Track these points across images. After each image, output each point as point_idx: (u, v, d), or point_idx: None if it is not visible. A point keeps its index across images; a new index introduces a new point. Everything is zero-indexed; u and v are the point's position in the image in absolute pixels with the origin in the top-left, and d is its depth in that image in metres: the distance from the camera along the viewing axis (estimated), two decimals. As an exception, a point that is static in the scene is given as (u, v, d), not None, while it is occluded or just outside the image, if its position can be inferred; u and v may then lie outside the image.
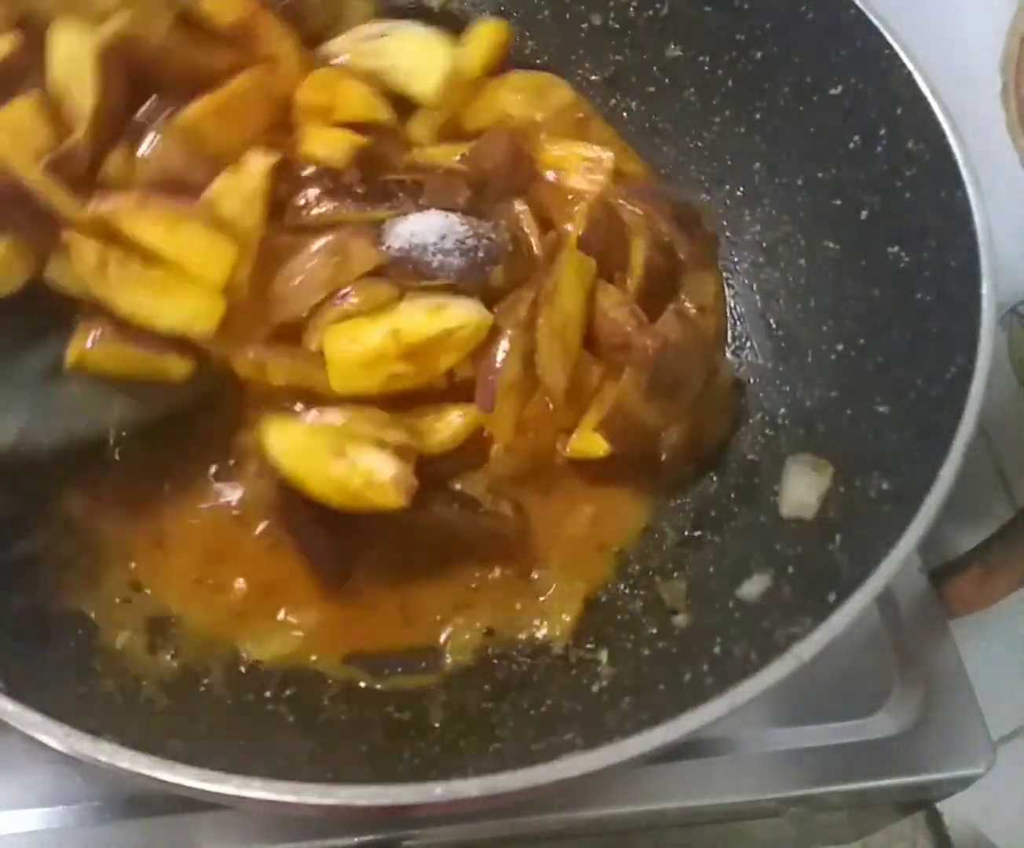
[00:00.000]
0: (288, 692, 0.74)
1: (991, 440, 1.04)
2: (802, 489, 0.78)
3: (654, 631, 0.76)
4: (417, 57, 0.90)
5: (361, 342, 0.76)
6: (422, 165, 0.87)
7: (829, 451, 0.79)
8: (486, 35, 0.94)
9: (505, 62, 0.95)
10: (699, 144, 0.96)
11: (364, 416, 0.77)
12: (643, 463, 0.83)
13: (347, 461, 0.74)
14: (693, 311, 0.87)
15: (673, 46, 0.96)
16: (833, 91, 0.85)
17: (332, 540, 0.78)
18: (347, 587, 0.79)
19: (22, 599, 0.71)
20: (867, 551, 0.66)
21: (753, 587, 0.74)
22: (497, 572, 0.81)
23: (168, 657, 0.74)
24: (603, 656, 0.75)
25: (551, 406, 0.81)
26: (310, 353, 0.78)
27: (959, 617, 0.94)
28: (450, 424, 0.79)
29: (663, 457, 0.82)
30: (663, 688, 0.69)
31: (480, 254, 0.79)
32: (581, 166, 0.91)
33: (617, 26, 0.96)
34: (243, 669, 0.75)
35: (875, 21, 0.82)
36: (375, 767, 0.68)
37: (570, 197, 0.91)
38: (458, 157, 0.88)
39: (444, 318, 0.77)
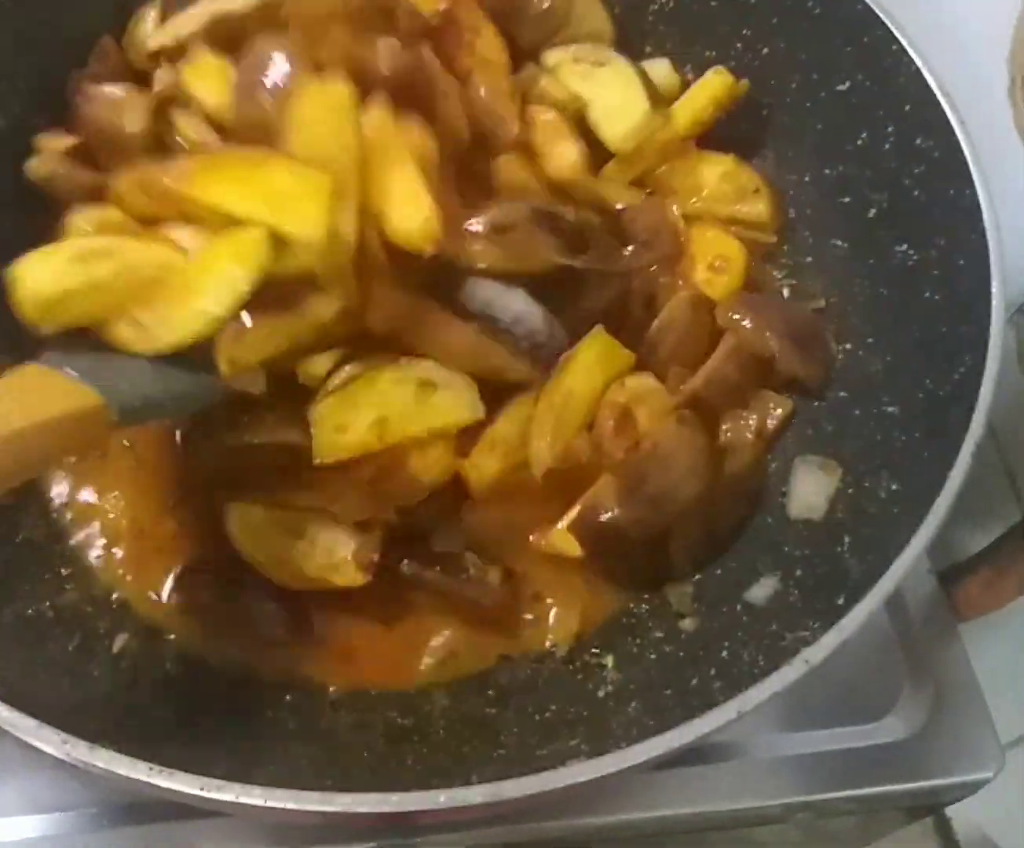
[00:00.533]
0: (288, 697, 0.73)
1: (1000, 440, 1.03)
2: (810, 490, 0.78)
3: (661, 635, 0.76)
4: (617, 99, 0.87)
5: (349, 432, 0.73)
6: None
7: (837, 452, 0.79)
8: (705, 90, 0.89)
9: (723, 115, 0.89)
10: (703, 140, 0.95)
11: (339, 496, 0.75)
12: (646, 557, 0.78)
13: (306, 541, 0.73)
14: (750, 431, 0.82)
15: (679, 40, 0.95)
16: (840, 87, 0.85)
17: (285, 609, 0.75)
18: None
19: (18, 602, 0.71)
20: (876, 553, 0.65)
21: (761, 590, 0.74)
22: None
23: (166, 662, 0.73)
24: (609, 661, 0.75)
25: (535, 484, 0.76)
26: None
27: (968, 620, 0.93)
28: (437, 463, 0.75)
29: (672, 553, 0.78)
30: (670, 693, 0.69)
31: (542, 351, 0.77)
32: (712, 259, 0.88)
33: (623, 19, 0.95)
34: (242, 675, 0.74)
35: (882, 16, 0.81)
36: (377, 774, 0.67)
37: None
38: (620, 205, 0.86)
39: (432, 411, 0.74)
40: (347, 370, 0.75)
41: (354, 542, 0.73)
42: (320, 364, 0.74)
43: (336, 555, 0.73)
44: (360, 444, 0.73)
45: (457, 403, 0.75)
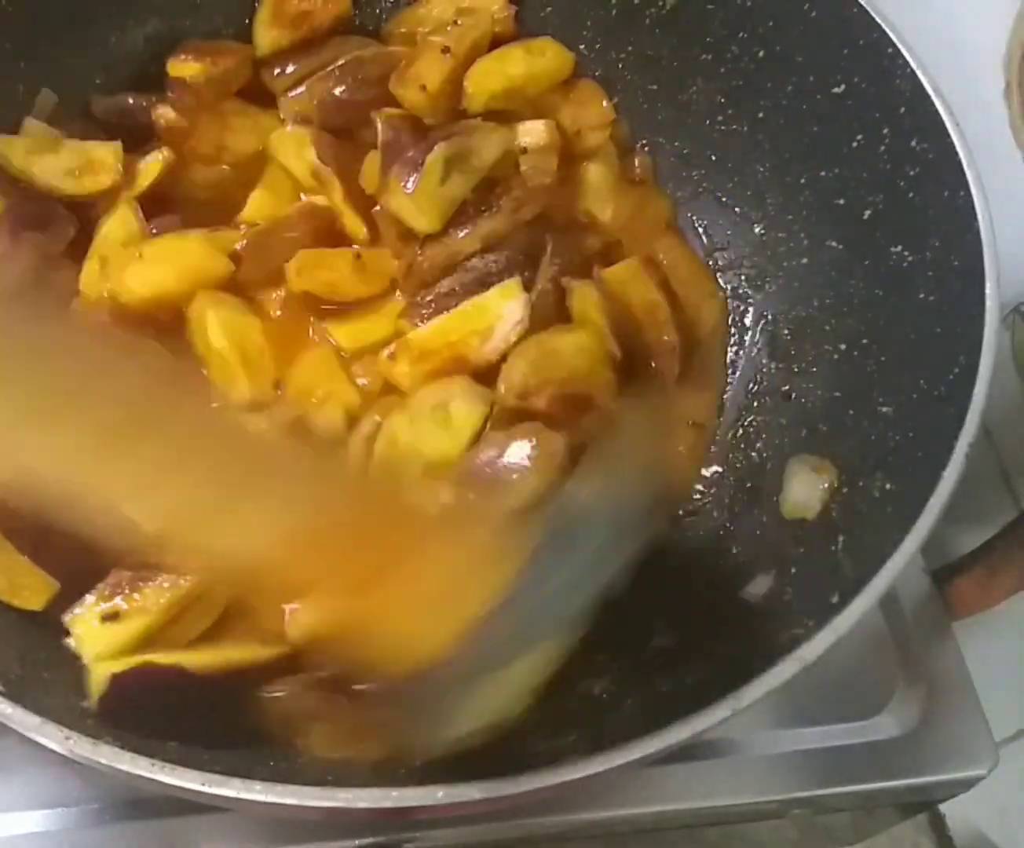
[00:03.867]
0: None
1: (994, 440, 1.04)
2: (804, 490, 0.78)
3: (656, 632, 0.76)
4: None
5: (429, 450, 0.76)
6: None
7: (832, 452, 0.79)
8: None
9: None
10: (701, 142, 0.96)
11: None
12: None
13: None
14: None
15: (675, 43, 0.95)
16: (836, 89, 0.84)
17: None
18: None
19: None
20: (870, 552, 0.65)
21: (755, 588, 0.74)
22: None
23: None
24: (604, 658, 0.75)
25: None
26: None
27: (962, 618, 0.93)
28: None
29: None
30: (665, 690, 0.69)
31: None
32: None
33: (619, 22, 0.95)
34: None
35: (878, 19, 0.81)
36: (376, 769, 0.67)
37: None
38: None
39: (460, 423, 0.76)
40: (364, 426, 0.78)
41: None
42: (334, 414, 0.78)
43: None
44: (444, 456, 0.76)
45: (471, 400, 0.77)
